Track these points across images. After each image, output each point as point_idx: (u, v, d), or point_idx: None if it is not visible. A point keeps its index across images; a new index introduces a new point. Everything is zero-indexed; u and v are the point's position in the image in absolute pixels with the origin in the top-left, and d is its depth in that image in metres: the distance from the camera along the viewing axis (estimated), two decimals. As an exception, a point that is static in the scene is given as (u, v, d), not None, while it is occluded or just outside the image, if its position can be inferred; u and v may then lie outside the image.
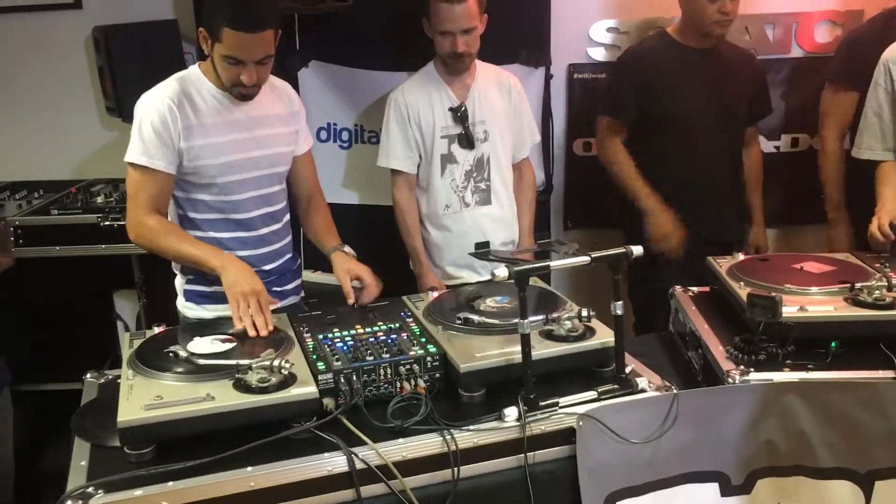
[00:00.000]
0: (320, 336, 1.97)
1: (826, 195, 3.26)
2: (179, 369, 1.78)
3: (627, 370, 1.87)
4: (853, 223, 3.18)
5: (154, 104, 2.21)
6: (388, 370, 1.82)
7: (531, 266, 1.74)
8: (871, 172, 2.77)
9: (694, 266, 2.87)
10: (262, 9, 2.15)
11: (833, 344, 1.97)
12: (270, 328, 1.98)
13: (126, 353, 1.92)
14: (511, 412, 1.71)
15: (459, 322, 1.98)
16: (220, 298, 2.14)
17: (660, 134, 3.16)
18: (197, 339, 1.93)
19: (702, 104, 3.11)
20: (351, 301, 2.21)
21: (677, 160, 3.16)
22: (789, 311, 1.96)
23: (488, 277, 2.31)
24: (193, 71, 2.30)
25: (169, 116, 2.19)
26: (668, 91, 3.11)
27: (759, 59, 3.38)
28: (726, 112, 3.16)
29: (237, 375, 1.71)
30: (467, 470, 1.68)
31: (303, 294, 2.60)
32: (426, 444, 1.67)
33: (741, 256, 2.45)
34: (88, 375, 2.09)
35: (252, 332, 1.96)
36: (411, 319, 2.08)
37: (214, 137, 2.26)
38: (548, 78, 3.57)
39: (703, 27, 3.03)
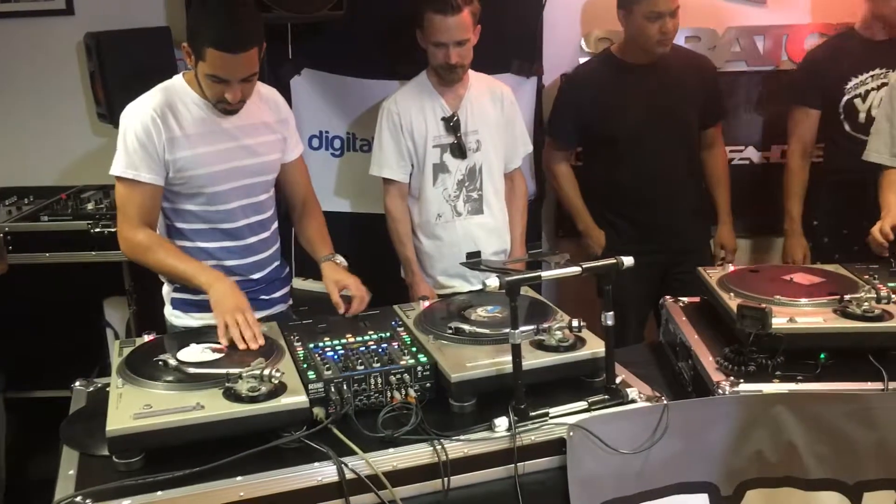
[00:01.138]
0: (311, 345, 1.97)
1: (785, 209, 3.40)
2: (169, 378, 1.77)
3: (618, 380, 1.87)
4: (831, 237, 3.29)
5: (138, 116, 2.20)
6: (379, 380, 1.82)
7: (522, 277, 1.75)
8: (845, 187, 2.89)
9: (652, 273, 3.04)
10: (246, 29, 2.13)
11: (822, 355, 1.98)
12: (260, 342, 1.96)
13: (115, 361, 1.91)
14: (501, 422, 1.71)
15: (450, 332, 1.98)
16: (208, 307, 2.13)
17: (607, 151, 3.22)
18: (187, 347, 1.92)
19: (646, 119, 3.14)
20: (341, 311, 2.21)
21: (628, 175, 3.21)
22: (779, 322, 1.97)
23: (479, 287, 2.32)
24: (178, 81, 2.29)
25: (153, 128, 2.18)
26: (610, 111, 3.16)
27: (711, 62, 3.42)
28: (676, 122, 3.20)
29: (227, 384, 1.71)
30: (457, 480, 1.68)
31: (291, 302, 2.59)
32: (416, 454, 1.67)
33: (731, 267, 2.45)
34: (77, 383, 2.08)
35: (241, 346, 1.94)
36: (402, 329, 2.08)
37: (200, 147, 2.25)
38: (540, 88, 3.57)
39: (645, 46, 3.07)
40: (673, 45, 3.17)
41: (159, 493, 1.53)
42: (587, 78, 3.28)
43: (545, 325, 1.92)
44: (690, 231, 3.33)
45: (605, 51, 3.32)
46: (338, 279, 2.29)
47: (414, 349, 1.93)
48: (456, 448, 1.68)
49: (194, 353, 1.90)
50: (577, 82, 3.33)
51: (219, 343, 1.96)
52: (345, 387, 1.78)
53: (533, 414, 1.74)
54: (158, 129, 2.19)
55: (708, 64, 3.37)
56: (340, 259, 2.40)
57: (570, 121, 3.28)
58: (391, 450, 1.67)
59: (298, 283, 3.05)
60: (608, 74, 3.21)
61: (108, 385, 1.88)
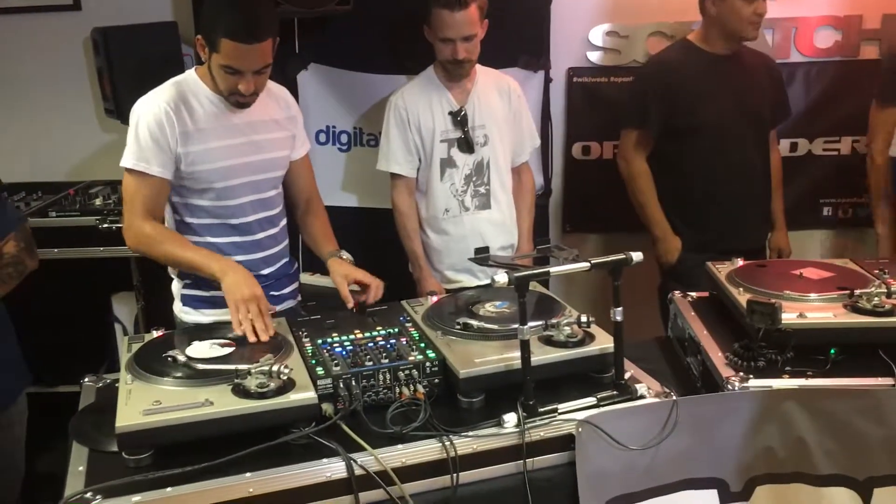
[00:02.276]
0: (319, 341, 1.96)
1: (875, 212, 3.30)
2: (178, 374, 1.77)
3: (627, 376, 1.87)
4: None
5: (151, 109, 2.20)
6: (388, 375, 1.81)
7: (531, 272, 1.74)
8: None
9: None
10: (261, 20, 2.13)
11: (832, 351, 1.97)
12: (271, 333, 1.96)
13: (124, 357, 1.91)
14: (510, 418, 1.71)
15: (458, 327, 1.98)
16: (218, 303, 2.14)
17: (689, 144, 3.11)
18: (196, 343, 1.92)
19: (730, 110, 3.08)
20: (350, 306, 2.21)
21: (708, 170, 3.12)
22: (788, 317, 1.96)
23: (487, 281, 2.31)
24: (190, 75, 2.30)
25: (166, 121, 2.19)
26: (696, 99, 3.08)
27: (775, 61, 3.35)
28: (754, 117, 3.14)
29: (236, 380, 1.71)
30: (466, 476, 1.68)
31: (299, 298, 2.60)
32: (425, 449, 1.67)
33: (740, 262, 2.44)
34: (87, 379, 2.08)
35: (252, 338, 1.94)
36: (410, 324, 2.07)
37: (212, 142, 2.25)
38: (547, 82, 3.57)
39: (738, 30, 3.00)
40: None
41: (169, 489, 1.54)
42: (672, 63, 3.17)
43: (554, 321, 1.91)
44: (759, 231, 3.28)
45: (682, 40, 3.23)
46: (346, 273, 2.29)
47: (422, 345, 1.92)
48: (465, 444, 1.68)
49: (203, 349, 1.90)
50: (662, 67, 3.20)
51: (228, 339, 1.96)
52: (353, 383, 1.78)
53: (542, 410, 1.73)
54: (172, 122, 2.19)
55: (774, 62, 3.31)
56: (346, 254, 2.40)
57: (656, 108, 3.12)
58: (400, 446, 1.67)
59: (306, 277, 3.05)
60: (692, 61, 3.11)
61: (117, 381, 1.89)
